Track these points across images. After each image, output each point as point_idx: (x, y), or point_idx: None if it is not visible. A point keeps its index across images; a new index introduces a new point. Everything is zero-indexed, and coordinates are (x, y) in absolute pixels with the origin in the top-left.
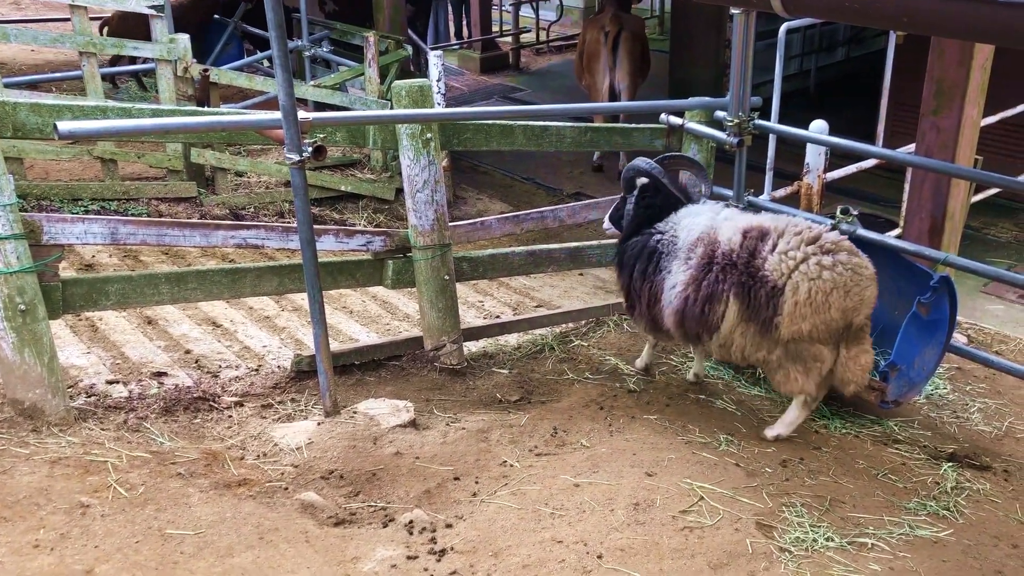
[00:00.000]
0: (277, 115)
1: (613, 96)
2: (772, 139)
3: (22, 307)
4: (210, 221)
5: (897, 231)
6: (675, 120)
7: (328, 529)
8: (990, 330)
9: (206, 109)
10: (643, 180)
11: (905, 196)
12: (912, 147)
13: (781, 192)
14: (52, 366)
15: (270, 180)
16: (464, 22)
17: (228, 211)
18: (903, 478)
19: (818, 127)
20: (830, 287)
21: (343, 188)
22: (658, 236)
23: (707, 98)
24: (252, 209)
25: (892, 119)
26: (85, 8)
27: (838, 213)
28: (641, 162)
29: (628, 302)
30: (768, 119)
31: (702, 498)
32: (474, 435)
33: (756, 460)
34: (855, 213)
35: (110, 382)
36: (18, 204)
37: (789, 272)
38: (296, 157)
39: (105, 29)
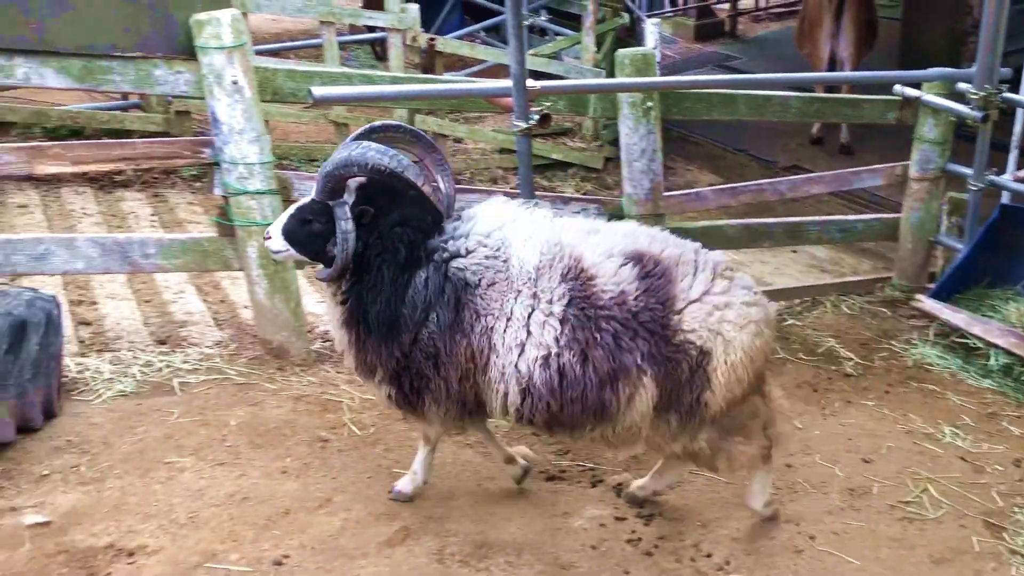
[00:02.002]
0: (506, 83)
1: (834, 66)
2: (1020, 113)
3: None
4: None
5: None
6: (911, 92)
7: (540, 483)
8: None
9: (439, 77)
10: (359, 180)
11: None
12: None
13: None
14: (297, 311)
15: (486, 147)
16: None
17: None
18: None
19: None
20: (760, 327)
21: (554, 156)
22: (458, 261)
23: (949, 68)
24: (468, 175)
25: None
26: None
27: None
28: (373, 155)
29: (401, 382)
30: (1017, 92)
31: (925, 489)
32: None
33: (985, 456)
34: None
35: None
36: (273, 162)
37: (717, 327)
38: (523, 124)
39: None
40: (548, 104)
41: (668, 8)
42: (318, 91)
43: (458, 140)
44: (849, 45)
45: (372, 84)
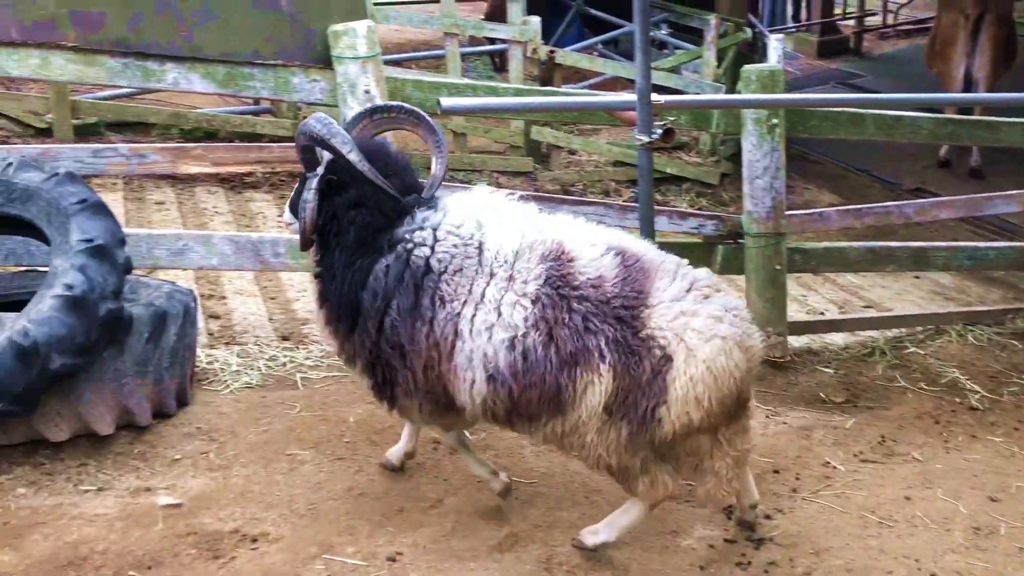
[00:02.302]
0: (630, 97)
1: (968, 86)
2: None
3: None
4: (556, 196)
5: None
6: None
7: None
8: None
9: (561, 90)
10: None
11: None
12: None
13: None
14: None
15: (599, 159)
16: (804, 3)
17: (559, 187)
18: None
19: None
20: (729, 346)
21: (668, 170)
22: (422, 250)
23: None
24: (581, 186)
25: None
26: None
27: None
28: (316, 124)
29: (375, 373)
30: None
31: None
32: (795, 431)
33: None
34: None
35: None
36: None
37: (681, 332)
38: (645, 138)
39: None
40: (672, 119)
41: (791, 24)
42: (446, 101)
43: (572, 152)
44: (986, 65)
45: (496, 95)
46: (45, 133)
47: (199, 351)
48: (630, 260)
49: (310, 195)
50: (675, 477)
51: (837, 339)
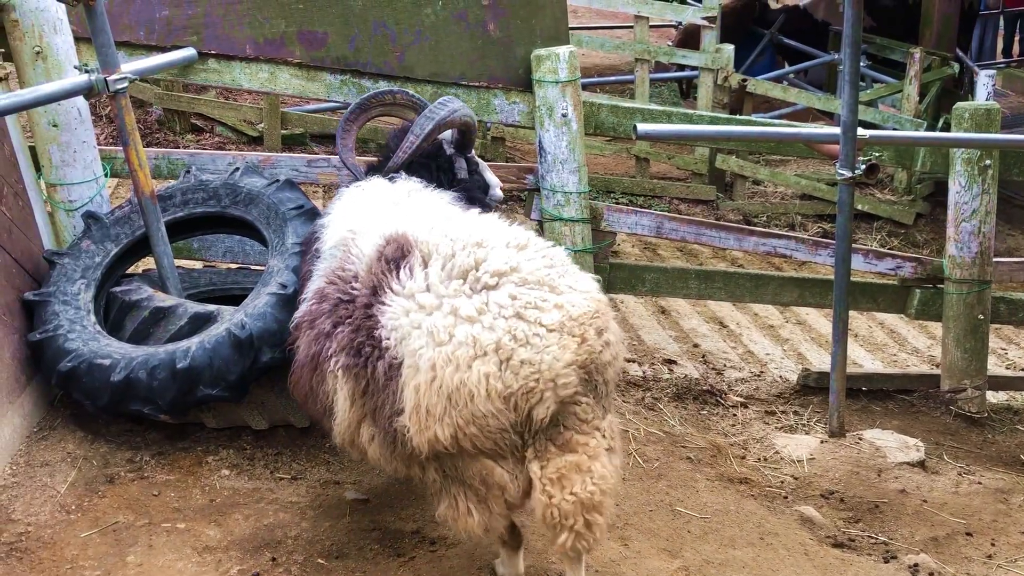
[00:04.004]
0: (832, 130)
1: None
2: None
3: None
4: (744, 227)
5: None
6: None
7: (826, 548)
8: None
9: (755, 119)
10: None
11: None
12: None
13: None
14: None
15: (785, 191)
16: (1017, 38)
17: (741, 217)
18: None
19: None
20: (470, 356)
21: (860, 207)
22: (319, 226)
23: None
24: (764, 218)
25: None
26: (647, 19)
27: None
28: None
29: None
30: None
31: None
32: (991, 493)
33: None
34: None
35: (628, 360)
36: (589, 192)
37: (409, 332)
38: (848, 173)
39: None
40: (878, 155)
41: (1001, 59)
42: (643, 127)
43: (757, 182)
44: None
45: (691, 123)
46: (256, 141)
47: None
48: (389, 250)
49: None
50: (485, 509)
51: None
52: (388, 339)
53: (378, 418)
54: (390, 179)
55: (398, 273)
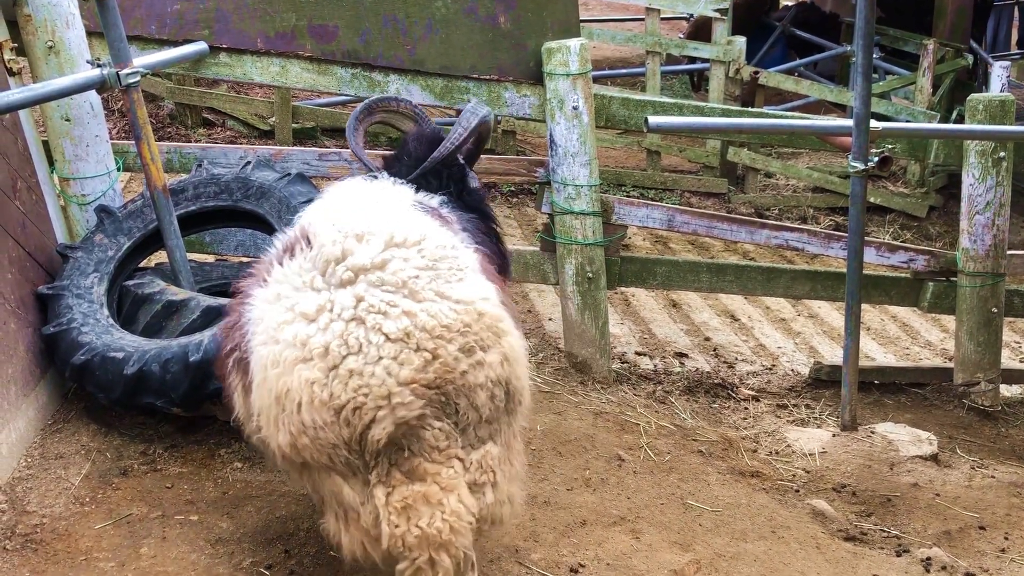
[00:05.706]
0: (845, 122)
1: None
2: None
3: (589, 275)
4: (756, 220)
5: None
6: None
7: (838, 542)
8: None
9: (768, 111)
10: None
11: None
12: None
13: None
14: (604, 330)
15: (798, 184)
16: None
17: (753, 210)
18: None
19: None
20: (295, 359)
21: (872, 199)
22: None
23: None
24: (776, 211)
25: None
26: (658, 11)
27: None
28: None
29: None
30: None
31: None
32: (1005, 487)
33: None
34: None
35: (639, 353)
36: (599, 185)
37: (256, 325)
38: (860, 166)
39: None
40: (891, 147)
41: (1016, 50)
42: (655, 120)
43: (769, 175)
44: None
45: (703, 115)
46: (268, 135)
47: None
48: (289, 238)
49: None
50: (346, 528)
51: None
52: (247, 330)
53: (250, 418)
54: (373, 178)
55: (281, 263)
